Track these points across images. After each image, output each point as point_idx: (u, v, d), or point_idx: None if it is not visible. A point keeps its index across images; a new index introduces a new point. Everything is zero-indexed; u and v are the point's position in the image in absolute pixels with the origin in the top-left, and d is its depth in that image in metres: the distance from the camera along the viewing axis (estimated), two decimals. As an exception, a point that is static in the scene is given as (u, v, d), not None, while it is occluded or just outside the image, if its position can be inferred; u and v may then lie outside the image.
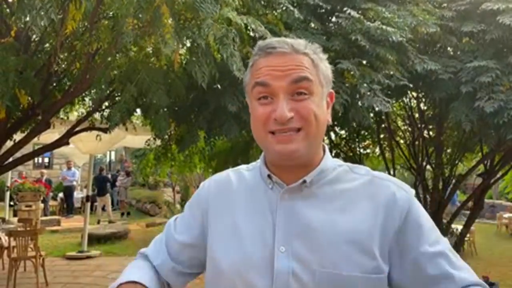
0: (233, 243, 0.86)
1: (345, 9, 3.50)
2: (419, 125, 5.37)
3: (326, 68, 0.87)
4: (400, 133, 6.21)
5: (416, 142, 5.49)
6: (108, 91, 4.26)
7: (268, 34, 2.93)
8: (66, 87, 4.62)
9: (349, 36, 3.42)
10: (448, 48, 4.15)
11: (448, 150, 5.81)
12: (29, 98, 3.88)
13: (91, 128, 5.14)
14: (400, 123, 6.36)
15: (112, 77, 3.78)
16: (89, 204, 7.92)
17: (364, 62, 3.64)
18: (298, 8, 3.60)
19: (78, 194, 12.99)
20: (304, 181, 0.84)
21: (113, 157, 19.19)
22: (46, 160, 15.99)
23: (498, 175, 5.43)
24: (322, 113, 0.84)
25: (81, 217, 9.60)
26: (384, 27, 3.33)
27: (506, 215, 11.28)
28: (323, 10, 4.10)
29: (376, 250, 0.79)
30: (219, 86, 3.82)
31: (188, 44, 3.56)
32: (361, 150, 6.68)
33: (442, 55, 4.04)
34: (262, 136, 0.84)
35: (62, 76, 4.53)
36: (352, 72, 3.30)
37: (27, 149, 5.36)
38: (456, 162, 5.56)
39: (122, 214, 12.84)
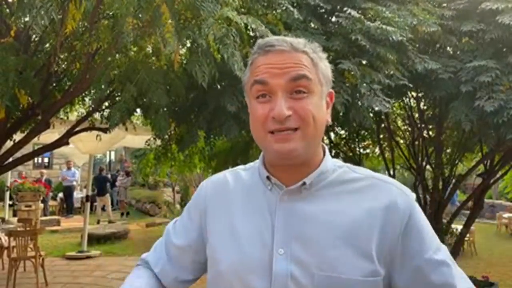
0: (231, 244, 0.86)
1: (345, 9, 3.50)
2: (419, 125, 5.36)
3: (325, 67, 0.86)
4: (400, 133, 6.21)
5: (416, 142, 5.49)
6: (108, 91, 4.26)
7: (268, 33, 2.93)
8: (66, 87, 4.62)
9: (349, 36, 3.42)
10: (448, 48, 4.15)
11: (448, 150, 5.81)
12: (29, 98, 3.87)
13: (91, 128, 5.14)
14: (400, 123, 6.36)
15: (112, 77, 3.78)
16: (88, 204, 7.93)
17: (364, 62, 3.64)
18: (298, 8, 3.60)
19: (78, 194, 13.00)
20: (304, 183, 0.83)
21: (113, 157, 19.20)
22: (46, 160, 16.01)
23: (498, 175, 5.43)
24: (321, 113, 0.83)
25: (81, 217, 9.61)
26: (384, 26, 3.33)
27: (506, 215, 11.28)
28: (323, 10, 4.10)
29: (374, 253, 0.79)
30: (218, 86, 3.83)
31: (188, 44, 3.57)
32: (361, 150, 6.68)
33: (442, 55, 4.04)
34: (261, 136, 0.83)
35: (62, 76, 4.53)
36: (352, 72, 3.30)
37: (27, 149, 5.36)
38: (456, 162, 5.55)
39: (122, 214, 12.84)
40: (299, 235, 0.81)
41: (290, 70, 0.80)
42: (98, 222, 10.97)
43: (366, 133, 6.11)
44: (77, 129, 5.08)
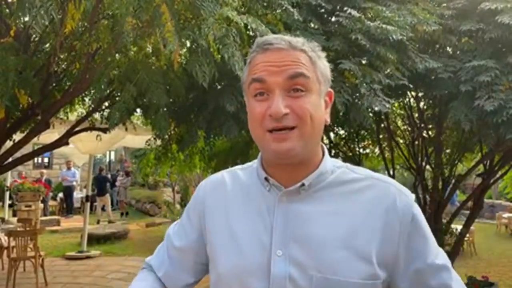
0: (230, 245, 0.85)
1: (345, 8, 3.50)
2: (419, 125, 5.36)
3: (324, 66, 0.85)
4: (400, 133, 6.21)
5: (416, 142, 5.49)
6: (107, 91, 4.26)
7: (269, 33, 2.93)
8: (65, 87, 4.62)
9: (349, 36, 3.42)
10: (447, 48, 4.16)
11: (448, 150, 5.81)
12: (29, 98, 3.87)
13: (91, 128, 5.14)
14: (399, 123, 6.36)
15: (112, 77, 3.78)
16: (88, 204, 7.93)
17: (364, 61, 3.64)
18: (298, 8, 3.60)
19: (77, 194, 13.00)
20: (303, 184, 0.83)
21: (112, 157, 19.21)
22: (46, 160, 16.01)
23: (497, 175, 5.43)
24: (319, 112, 0.82)
25: (81, 217, 9.61)
26: (384, 26, 3.32)
27: (506, 215, 11.29)
28: (323, 10, 4.10)
29: (374, 256, 0.78)
30: (218, 86, 3.83)
31: (188, 44, 3.56)
32: (361, 150, 6.68)
33: (442, 55, 4.04)
34: (259, 135, 0.82)
35: (61, 76, 4.52)
36: (352, 72, 3.30)
37: (27, 149, 5.36)
38: (456, 162, 5.55)
39: (122, 214, 12.85)
40: (298, 236, 0.80)
41: (288, 68, 0.79)
42: (98, 222, 10.97)
43: (366, 133, 6.11)
44: (77, 129, 5.08)
